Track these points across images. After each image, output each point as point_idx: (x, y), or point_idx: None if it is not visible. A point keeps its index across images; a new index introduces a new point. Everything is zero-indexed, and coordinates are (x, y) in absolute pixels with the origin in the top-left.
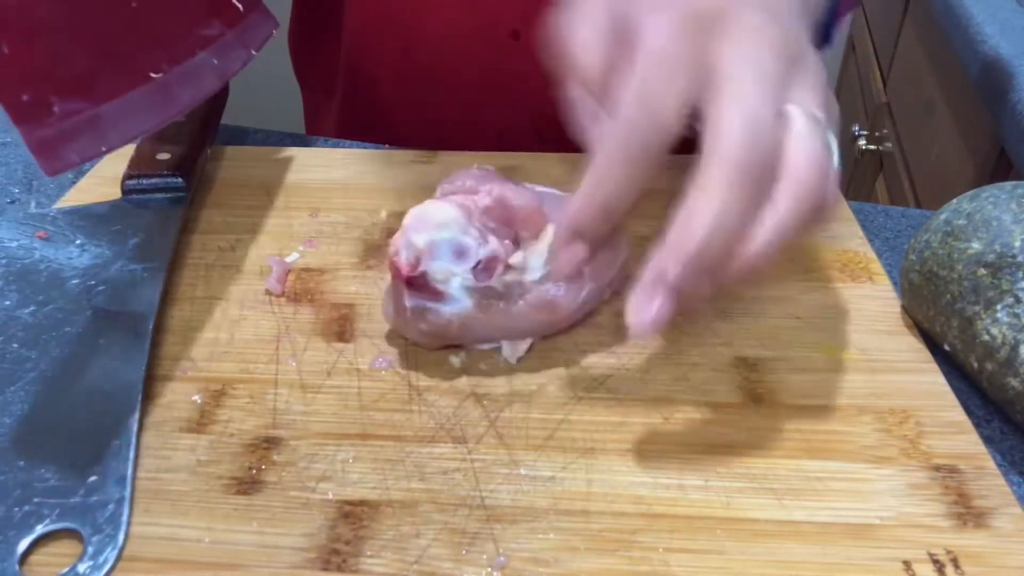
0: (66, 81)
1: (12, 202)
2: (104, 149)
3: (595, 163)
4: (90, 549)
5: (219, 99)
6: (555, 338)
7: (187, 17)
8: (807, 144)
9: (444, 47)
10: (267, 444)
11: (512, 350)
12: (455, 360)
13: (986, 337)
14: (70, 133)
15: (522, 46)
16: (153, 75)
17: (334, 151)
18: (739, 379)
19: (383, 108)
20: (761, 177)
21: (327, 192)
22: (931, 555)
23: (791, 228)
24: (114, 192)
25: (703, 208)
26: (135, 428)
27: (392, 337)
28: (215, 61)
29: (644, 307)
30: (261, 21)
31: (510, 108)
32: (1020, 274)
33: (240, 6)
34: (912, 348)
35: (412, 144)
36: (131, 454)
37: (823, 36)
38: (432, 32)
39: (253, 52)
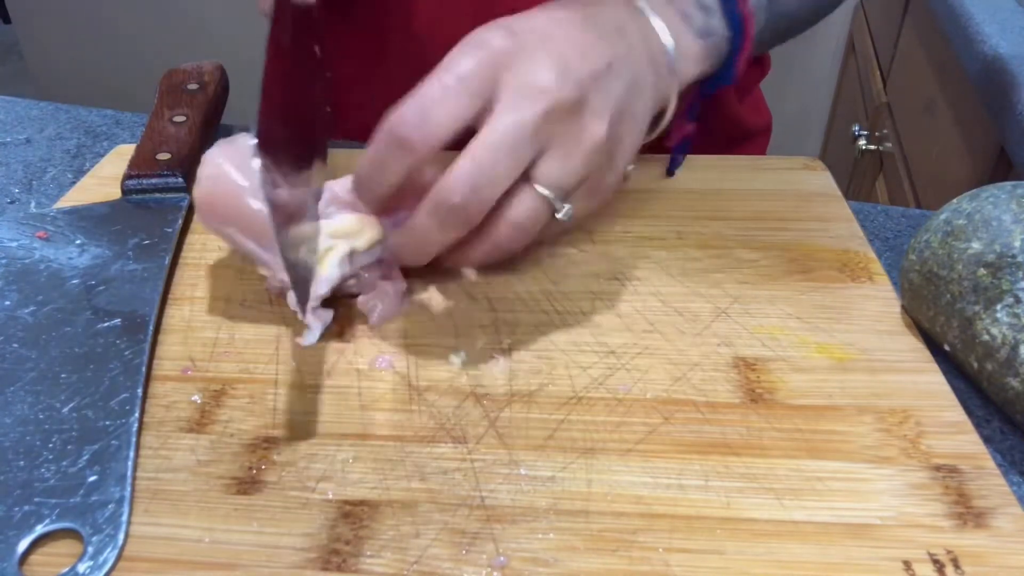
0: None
1: (12, 202)
2: None
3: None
4: (90, 549)
5: (219, 99)
6: (555, 338)
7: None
8: (516, 211)
9: (438, 39)
10: (267, 444)
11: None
12: (455, 360)
13: (986, 337)
14: None
15: None
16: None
17: (334, 151)
18: (739, 379)
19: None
20: (465, 220)
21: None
22: (931, 555)
23: (476, 258)
24: (114, 192)
25: (410, 225)
26: (135, 428)
27: (392, 337)
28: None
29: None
30: (326, 64)
31: None
32: (1020, 274)
33: (319, 53)
34: (912, 348)
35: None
36: (131, 454)
37: (723, 77)
38: (424, 21)
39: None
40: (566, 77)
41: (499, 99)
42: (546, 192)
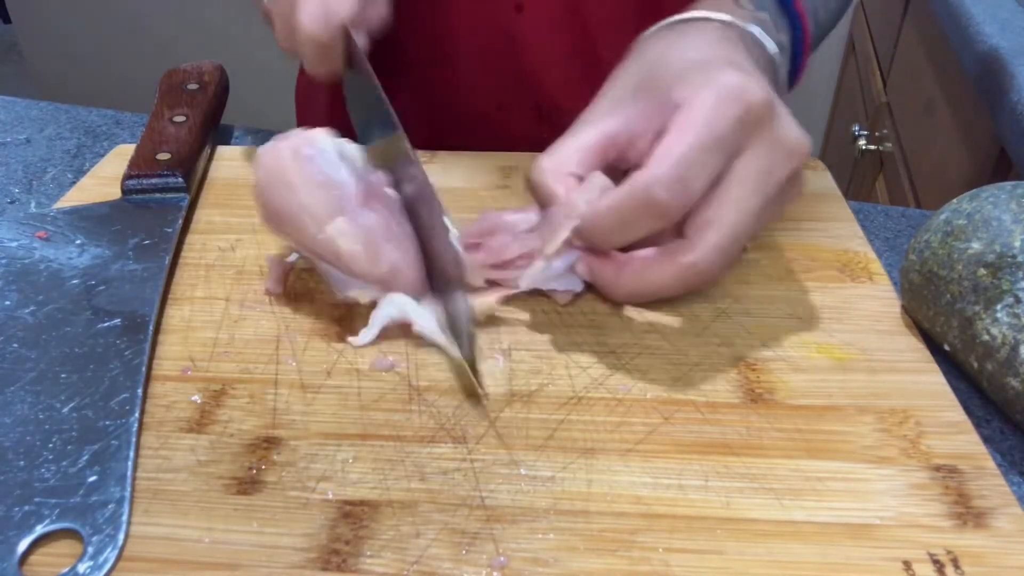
0: None
1: (12, 202)
2: None
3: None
4: (90, 549)
5: (219, 99)
6: (555, 338)
7: None
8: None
9: (447, 21)
10: (267, 444)
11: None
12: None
13: (986, 337)
14: None
15: (525, 18)
16: None
17: None
18: (739, 379)
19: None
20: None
21: None
22: (931, 555)
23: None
24: (114, 192)
25: (613, 206)
26: (135, 428)
27: (392, 337)
28: None
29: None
30: None
31: (511, 81)
32: (1020, 274)
33: None
34: (912, 348)
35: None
36: (131, 454)
37: (788, 85)
38: (436, 5)
39: None
40: (803, 134)
41: (749, 150)
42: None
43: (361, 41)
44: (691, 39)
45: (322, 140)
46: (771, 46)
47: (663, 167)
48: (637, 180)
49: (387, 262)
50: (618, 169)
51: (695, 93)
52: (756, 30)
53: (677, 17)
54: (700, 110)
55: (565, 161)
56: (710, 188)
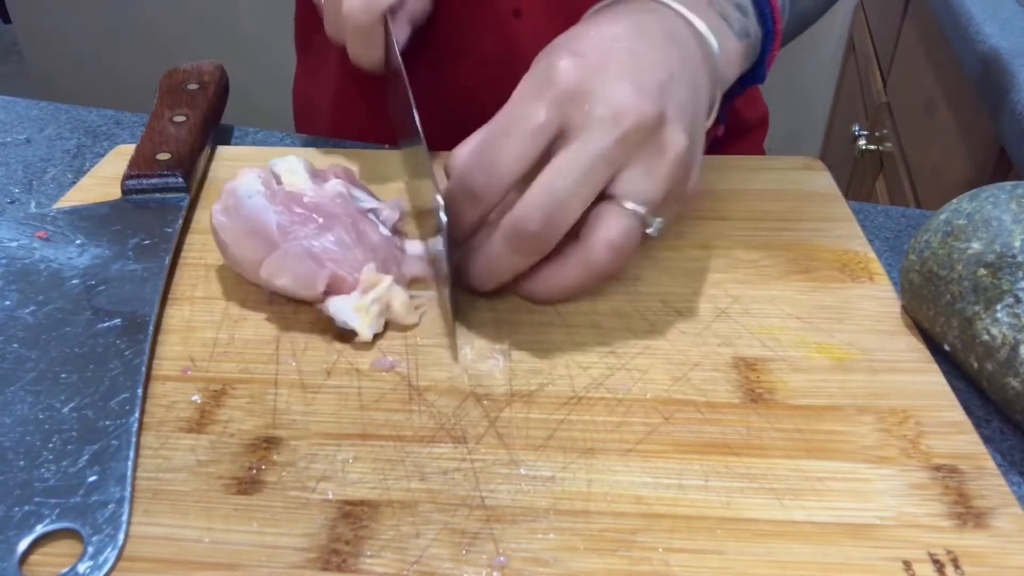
0: None
1: (12, 202)
2: None
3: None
4: (90, 549)
5: (219, 99)
6: (555, 338)
7: None
8: (610, 231)
9: (445, 26)
10: (267, 444)
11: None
12: (455, 360)
13: (986, 337)
14: None
15: (523, 23)
16: None
17: (334, 151)
18: (739, 379)
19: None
20: (540, 247)
21: None
22: (931, 555)
23: (568, 286)
24: (114, 192)
25: (485, 252)
26: (135, 428)
27: (392, 337)
28: None
29: None
30: None
31: (510, 86)
32: (1020, 274)
33: None
34: (912, 348)
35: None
36: (131, 454)
37: (754, 77)
38: (442, 31)
39: None
40: (639, 96)
41: (571, 129)
42: (635, 207)
43: (403, 33)
44: (600, 18)
45: (244, 186)
46: (713, 43)
47: (474, 152)
48: (509, 221)
49: (323, 282)
50: None
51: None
52: (700, 24)
53: None
54: (518, 92)
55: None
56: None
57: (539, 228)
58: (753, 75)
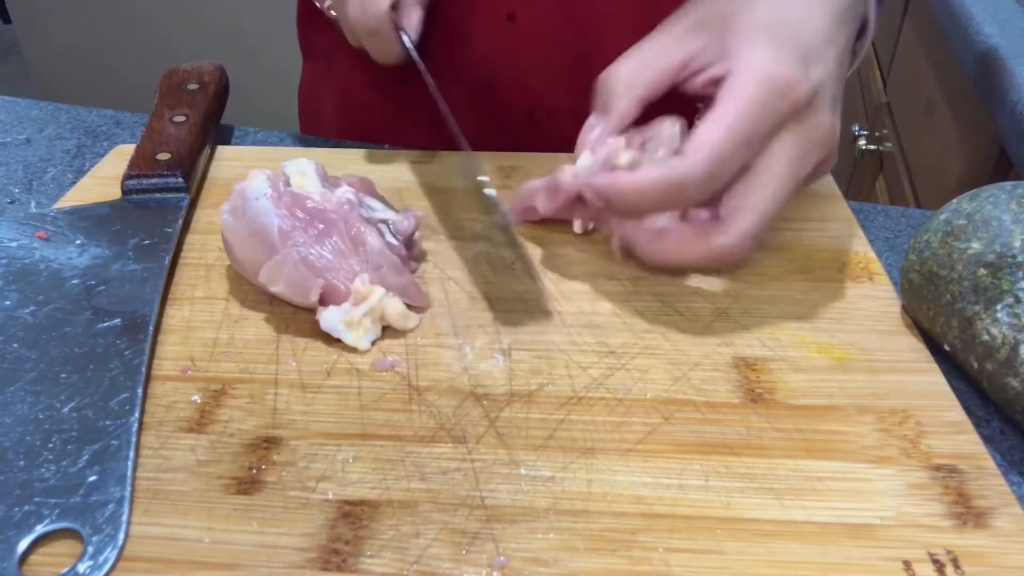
0: None
1: (12, 202)
2: None
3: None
4: (90, 549)
5: (219, 99)
6: (555, 338)
7: None
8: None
9: (439, 30)
10: (267, 444)
11: None
12: (455, 360)
13: (986, 337)
14: None
15: (517, 28)
16: None
17: (334, 151)
18: (739, 379)
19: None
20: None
21: None
22: (931, 555)
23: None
24: (114, 192)
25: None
26: (135, 428)
27: (392, 337)
28: None
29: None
30: None
31: (504, 89)
32: (1020, 274)
33: None
34: (912, 348)
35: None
36: (131, 454)
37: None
38: (447, 31)
39: None
40: (835, 125)
41: (782, 137)
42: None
43: (415, 17)
44: None
45: (252, 187)
46: None
47: (697, 162)
48: (671, 169)
49: (316, 292)
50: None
51: (744, 71)
52: None
53: None
54: (742, 101)
55: (636, 76)
56: (742, 172)
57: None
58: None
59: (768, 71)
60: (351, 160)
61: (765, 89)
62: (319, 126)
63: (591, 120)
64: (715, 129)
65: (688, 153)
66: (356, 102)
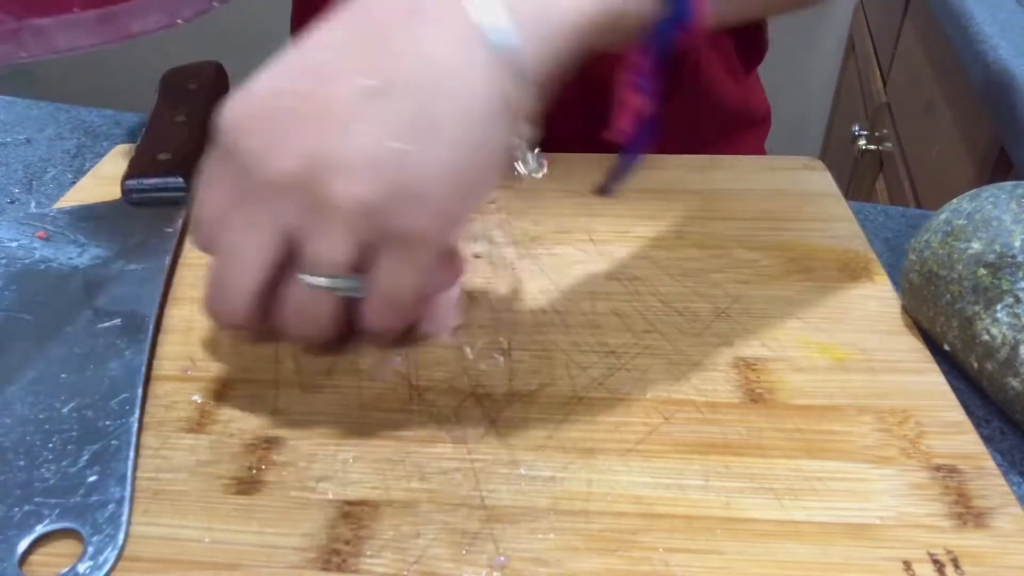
0: None
1: (12, 202)
2: (26, 56)
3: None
4: (90, 549)
5: (219, 99)
6: (555, 338)
7: None
8: (289, 305)
9: None
10: (267, 444)
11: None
12: (455, 360)
13: (986, 337)
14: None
15: None
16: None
17: None
18: (739, 379)
19: None
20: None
21: None
22: (931, 555)
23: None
24: (114, 192)
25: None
26: (135, 428)
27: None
28: (166, 2)
29: None
30: None
31: None
32: (1020, 274)
33: None
34: (912, 348)
35: None
36: (131, 454)
37: (679, 13)
38: None
39: (213, 4)
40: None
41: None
42: (314, 281)
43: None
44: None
45: None
46: (476, 17)
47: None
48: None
49: None
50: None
51: None
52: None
53: None
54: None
55: None
56: None
57: (218, 310)
58: (675, 15)
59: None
60: None
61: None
62: None
63: None
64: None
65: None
66: None
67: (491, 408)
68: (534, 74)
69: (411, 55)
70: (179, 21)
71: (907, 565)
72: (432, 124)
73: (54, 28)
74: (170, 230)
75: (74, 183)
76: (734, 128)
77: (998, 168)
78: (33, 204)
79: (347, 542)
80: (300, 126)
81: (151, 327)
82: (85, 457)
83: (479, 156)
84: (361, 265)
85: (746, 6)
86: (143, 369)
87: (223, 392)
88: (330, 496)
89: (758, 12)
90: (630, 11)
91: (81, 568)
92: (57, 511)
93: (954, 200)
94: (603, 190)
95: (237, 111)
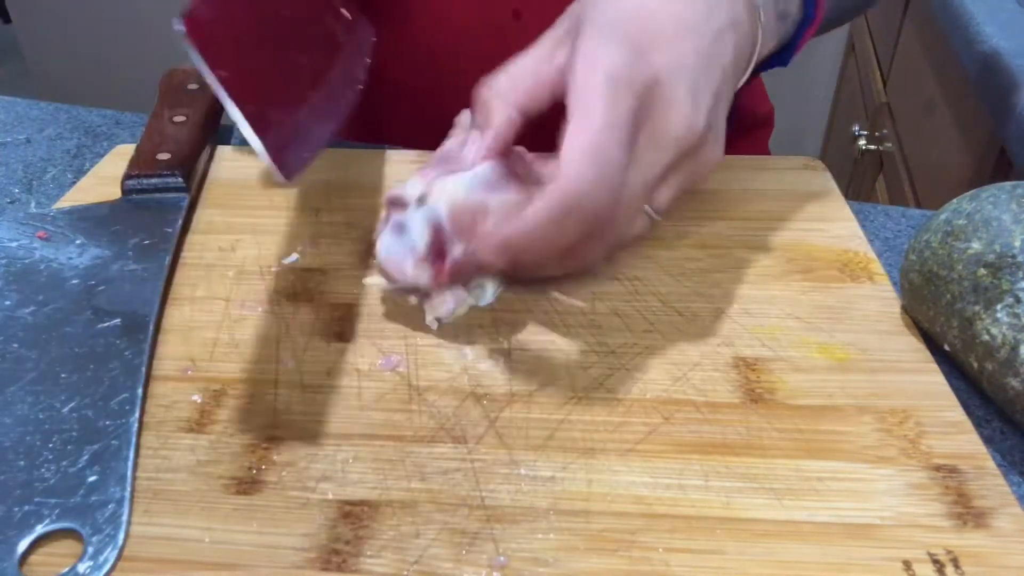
0: (272, 92)
1: (12, 202)
2: (308, 155)
3: (533, 215)
4: (90, 549)
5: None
6: (555, 338)
7: (320, 26)
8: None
9: (445, 27)
10: (267, 444)
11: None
12: (455, 360)
13: (986, 337)
14: (287, 140)
15: (523, 26)
16: (318, 84)
17: (334, 151)
18: (739, 379)
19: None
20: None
21: (327, 192)
22: (931, 555)
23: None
24: (114, 192)
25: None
26: (135, 428)
27: (392, 337)
28: (347, 69)
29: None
30: (365, 28)
31: None
32: (1020, 274)
33: (349, 15)
34: (912, 348)
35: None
36: (131, 454)
37: (781, 59)
38: (433, 11)
39: (367, 59)
40: (695, 113)
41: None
42: (651, 211)
43: None
44: None
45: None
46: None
47: (579, 170)
48: (557, 189)
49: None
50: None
51: (580, 73)
52: None
53: None
54: (591, 103)
55: (515, 87)
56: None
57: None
58: (779, 58)
59: (599, 65)
60: (353, 160)
61: (603, 83)
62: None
63: (464, 137)
64: (577, 135)
65: (563, 168)
66: (362, 103)
67: (491, 408)
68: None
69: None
70: (358, 88)
71: (907, 565)
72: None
73: (308, 120)
74: (170, 230)
75: (74, 183)
76: (737, 130)
77: (998, 168)
78: (33, 204)
79: (347, 542)
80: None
81: (151, 327)
82: (85, 457)
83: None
84: None
85: (839, 12)
86: (143, 369)
87: (223, 392)
88: (330, 496)
89: (847, 16)
90: (791, 11)
91: (81, 568)
92: (57, 511)
93: (954, 200)
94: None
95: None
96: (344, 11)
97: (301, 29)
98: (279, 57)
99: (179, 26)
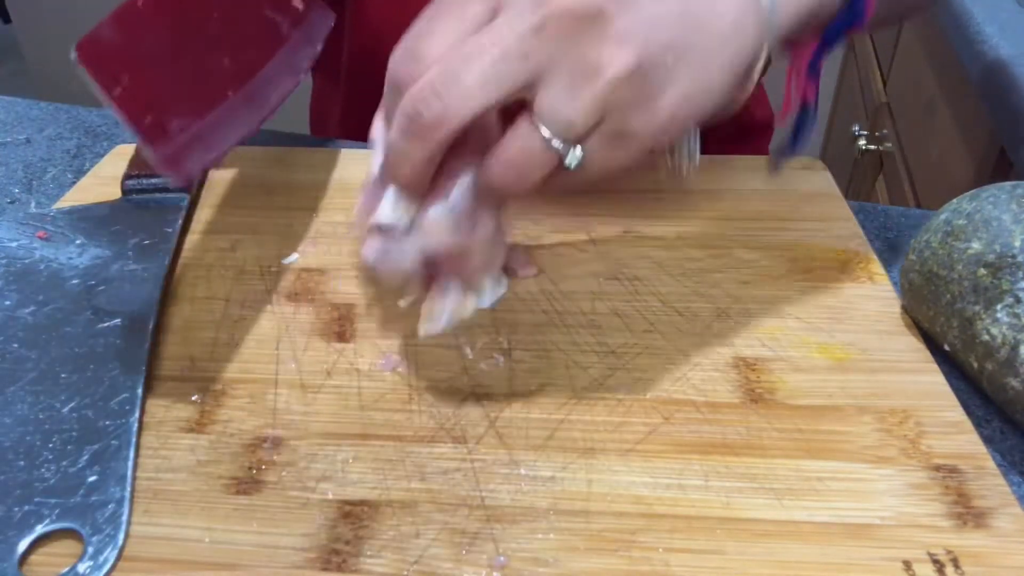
0: (175, 100)
1: (12, 202)
2: (214, 156)
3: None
4: (90, 549)
5: None
6: (555, 338)
7: (261, 21)
8: (507, 145)
9: (391, 33)
10: (267, 444)
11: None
12: (455, 360)
13: (986, 337)
14: (186, 147)
15: None
16: (243, 82)
17: (334, 151)
18: (739, 379)
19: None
20: (428, 133)
21: (327, 192)
22: (931, 555)
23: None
24: (114, 192)
25: (387, 141)
26: (135, 428)
27: (392, 337)
28: (289, 61)
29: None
30: (320, 17)
31: None
32: (1020, 274)
33: (301, 5)
34: (912, 348)
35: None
36: (131, 454)
37: (854, 13)
38: (378, 17)
39: (318, 48)
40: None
41: (498, 8)
42: (544, 130)
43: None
44: None
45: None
46: None
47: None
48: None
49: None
50: None
51: None
52: None
53: None
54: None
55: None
56: None
57: (432, 114)
58: (849, 14)
59: None
60: (353, 160)
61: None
62: (326, 130)
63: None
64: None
65: (423, 78)
66: (355, 112)
67: (491, 408)
68: (778, 29)
69: None
70: (300, 77)
71: (907, 565)
72: (708, 26)
73: (221, 121)
74: (170, 230)
75: (74, 183)
76: (737, 138)
77: (998, 168)
78: (33, 204)
79: (347, 542)
80: None
81: (151, 327)
82: (85, 457)
83: (730, 74)
84: (582, 137)
85: (894, 9)
86: (143, 369)
87: (223, 392)
88: (330, 496)
89: (901, 13)
90: (827, 2)
91: (81, 568)
92: (57, 511)
93: (954, 200)
94: (774, 167)
95: None
96: (297, 2)
97: (233, 29)
98: (198, 61)
99: (72, 54)
